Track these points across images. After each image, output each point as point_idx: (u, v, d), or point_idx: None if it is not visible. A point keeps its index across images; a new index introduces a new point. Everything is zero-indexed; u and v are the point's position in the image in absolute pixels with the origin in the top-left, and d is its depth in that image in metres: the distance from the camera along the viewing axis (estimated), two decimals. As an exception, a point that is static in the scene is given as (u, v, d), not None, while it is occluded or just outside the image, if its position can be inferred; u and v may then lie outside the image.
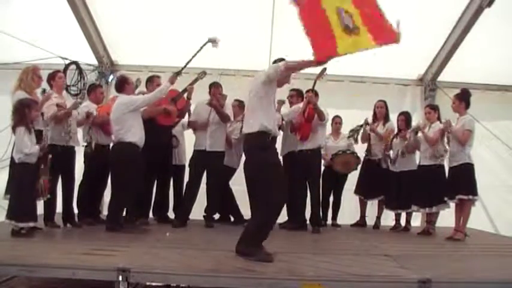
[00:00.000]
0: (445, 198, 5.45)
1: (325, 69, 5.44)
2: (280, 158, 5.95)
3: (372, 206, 6.38)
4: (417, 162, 5.91)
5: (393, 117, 6.29)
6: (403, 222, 6.22)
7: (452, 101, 5.55)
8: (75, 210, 5.43)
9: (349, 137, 6.35)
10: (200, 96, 5.95)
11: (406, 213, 6.18)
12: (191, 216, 5.88)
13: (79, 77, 6.63)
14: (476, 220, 5.92)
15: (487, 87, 7.18)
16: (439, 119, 5.78)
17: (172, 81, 5.24)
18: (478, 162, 5.53)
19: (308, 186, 5.74)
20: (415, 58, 7.02)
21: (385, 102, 6.31)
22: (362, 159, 6.25)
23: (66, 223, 5.27)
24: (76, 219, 5.37)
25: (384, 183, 6.09)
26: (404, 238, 5.74)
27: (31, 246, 4.02)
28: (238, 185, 6.25)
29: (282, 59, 4.13)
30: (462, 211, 5.34)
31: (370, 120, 6.29)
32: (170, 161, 5.91)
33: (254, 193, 4.14)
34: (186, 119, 6.10)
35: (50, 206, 5.05)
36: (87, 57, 6.97)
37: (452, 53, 6.73)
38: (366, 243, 5.05)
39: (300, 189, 5.75)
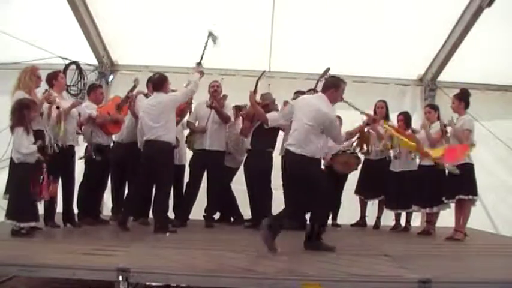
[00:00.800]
0: (445, 198, 5.45)
1: (328, 69, 5.45)
2: (280, 157, 5.99)
3: (372, 206, 6.37)
4: (417, 162, 5.91)
5: (393, 117, 6.29)
6: (403, 222, 6.22)
7: (452, 101, 5.54)
8: (75, 210, 5.43)
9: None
10: (200, 96, 5.95)
11: (406, 213, 6.17)
12: (191, 216, 5.88)
13: (79, 77, 6.63)
14: (476, 220, 5.91)
15: (487, 87, 7.18)
16: (439, 119, 5.78)
17: (200, 72, 5.39)
18: (478, 162, 5.52)
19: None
20: (415, 58, 7.03)
21: (385, 102, 6.31)
22: (362, 159, 6.24)
23: (66, 223, 5.27)
24: (76, 219, 5.37)
25: (384, 183, 6.09)
26: (404, 238, 5.73)
27: (31, 246, 4.02)
28: (238, 184, 6.28)
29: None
30: (462, 211, 5.34)
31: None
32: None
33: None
34: (185, 119, 6.10)
35: (50, 206, 5.05)
36: (87, 57, 6.97)
37: (452, 53, 6.73)
38: (366, 243, 5.05)
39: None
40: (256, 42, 6.59)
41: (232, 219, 6.29)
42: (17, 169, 4.49)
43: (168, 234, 4.95)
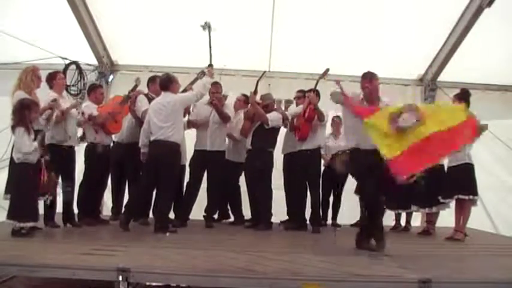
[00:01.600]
0: (442, 198, 5.45)
1: (328, 69, 5.46)
2: (281, 156, 6.00)
3: (372, 206, 6.36)
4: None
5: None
6: (403, 222, 6.22)
7: (452, 101, 5.54)
8: (75, 210, 5.43)
9: None
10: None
11: (406, 213, 6.18)
12: (191, 216, 5.88)
13: (79, 77, 6.63)
14: (476, 220, 5.91)
15: (487, 87, 7.18)
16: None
17: (212, 75, 5.41)
18: (478, 162, 5.52)
19: (308, 186, 5.75)
20: (415, 58, 7.03)
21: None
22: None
23: (66, 223, 5.28)
24: (76, 219, 5.37)
25: (383, 183, 6.07)
26: (404, 238, 5.73)
27: (31, 246, 4.02)
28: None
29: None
30: (462, 211, 5.34)
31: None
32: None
33: None
34: (186, 118, 6.10)
35: (50, 206, 5.05)
36: (87, 57, 6.97)
37: (452, 53, 6.73)
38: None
39: (299, 189, 5.76)
40: (256, 42, 6.60)
41: (232, 217, 6.30)
42: (17, 169, 4.49)
43: (168, 234, 4.95)
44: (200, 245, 4.42)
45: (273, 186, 5.85)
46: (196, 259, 3.70)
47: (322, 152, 6.03)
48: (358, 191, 6.33)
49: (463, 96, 5.47)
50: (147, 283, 3.68)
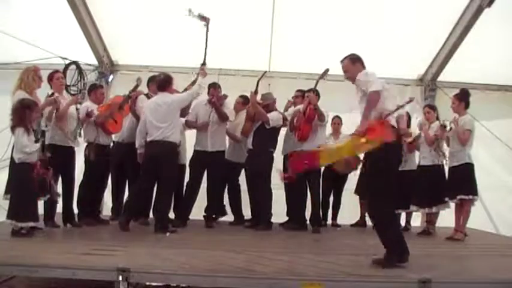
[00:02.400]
0: (445, 198, 5.45)
1: (327, 69, 5.45)
2: (282, 157, 5.99)
3: (372, 206, 6.36)
4: (416, 162, 5.91)
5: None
6: (403, 222, 6.22)
7: (452, 101, 5.54)
8: (75, 210, 5.43)
9: None
10: (199, 97, 5.94)
11: (406, 213, 6.18)
12: (191, 216, 5.88)
13: (79, 77, 6.61)
14: (476, 220, 5.91)
15: (487, 87, 7.16)
16: (437, 119, 5.79)
17: (205, 73, 5.36)
18: (478, 162, 5.53)
19: (308, 186, 5.75)
20: (415, 58, 7.02)
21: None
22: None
23: (66, 223, 5.28)
24: (76, 219, 5.37)
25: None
26: (405, 238, 5.72)
27: (31, 246, 4.03)
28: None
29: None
30: (462, 211, 5.34)
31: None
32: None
33: None
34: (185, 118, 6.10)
35: (50, 206, 5.05)
36: (87, 57, 6.96)
37: (452, 53, 6.73)
38: (366, 243, 5.04)
39: (299, 189, 5.76)
40: (256, 42, 6.59)
41: (229, 214, 6.31)
42: (17, 169, 4.49)
43: (168, 234, 4.96)
44: (200, 245, 4.43)
45: (272, 186, 5.85)
46: (196, 259, 3.70)
47: (322, 152, 6.02)
48: (358, 191, 6.35)
49: (463, 96, 5.47)
50: (147, 283, 3.68)
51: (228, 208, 6.33)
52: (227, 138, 6.17)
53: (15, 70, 5.23)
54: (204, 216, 5.94)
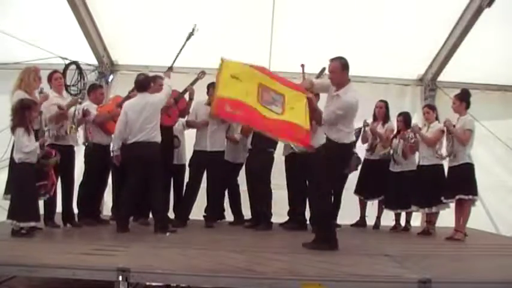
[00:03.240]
0: (445, 198, 5.45)
1: (324, 68, 5.44)
2: (283, 158, 5.99)
3: (372, 206, 6.37)
4: (416, 162, 5.91)
5: (393, 117, 6.29)
6: (403, 222, 6.22)
7: (453, 101, 5.55)
8: (75, 210, 5.43)
9: None
10: (199, 97, 5.95)
11: (406, 213, 6.17)
12: (191, 216, 5.88)
13: (79, 77, 6.61)
14: (476, 220, 5.91)
15: (487, 87, 7.16)
16: (437, 119, 5.79)
17: (168, 75, 5.44)
18: (478, 162, 5.53)
19: (308, 186, 5.74)
20: (415, 58, 7.02)
21: (385, 102, 6.30)
22: (362, 159, 6.24)
23: (66, 223, 5.28)
24: (76, 219, 5.37)
25: (383, 183, 6.08)
26: (404, 238, 5.74)
27: (31, 246, 4.03)
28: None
29: None
30: (462, 211, 5.34)
31: (369, 121, 6.28)
32: (171, 161, 5.91)
33: None
34: (185, 119, 6.10)
35: (50, 206, 5.05)
36: (87, 57, 6.96)
37: (452, 53, 6.72)
38: (366, 243, 5.05)
39: (300, 189, 5.76)
40: (256, 42, 6.59)
41: (227, 217, 6.30)
42: (18, 169, 4.49)
43: (168, 234, 4.96)
44: (200, 245, 4.42)
45: (272, 186, 5.85)
46: (196, 259, 3.70)
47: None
48: (358, 191, 6.35)
49: (463, 96, 5.48)
50: (147, 283, 3.68)
51: (228, 209, 6.34)
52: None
53: (15, 70, 5.23)
54: (204, 216, 5.94)
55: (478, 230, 6.06)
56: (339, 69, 4.18)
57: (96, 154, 5.46)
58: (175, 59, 5.55)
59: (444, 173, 5.60)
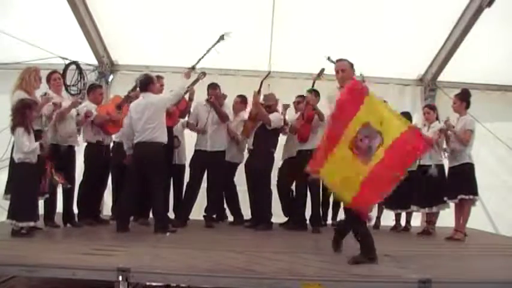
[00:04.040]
0: (445, 198, 5.45)
1: (323, 69, 5.46)
2: (281, 162, 5.99)
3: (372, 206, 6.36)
4: (417, 162, 5.90)
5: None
6: (403, 222, 6.22)
7: (453, 101, 5.55)
8: (75, 210, 5.43)
9: None
10: (199, 97, 5.95)
11: (406, 213, 6.17)
12: (191, 216, 5.88)
13: (79, 77, 6.61)
14: (476, 220, 5.91)
15: (487, 87, 7.17)
16: (437, 119, 5.79)
17: (188, 76, 5.39)
18: (478, 162, 5.52)
19: (308, 186, 5.74)
20: (415, 58, 7.02)
21: (385, 102, 6.29)
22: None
23: (66, 223, 5.28)
24: (76, 219, 5.37)
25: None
26: (404, 238, 5.74)
27: (31, 246, 4.03)
28: (238, 185, 6.28)
29: None
30: (462, 211, 5.34)
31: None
32: (171, 161, 5.91)
33: None
34: (185, 119, 6.10)
35: (50, 206, 5.05)
36: (87, 57, 6.96)
37: (452, 53, 6.72)
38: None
39: (300, 190, 5.76)
40: (256, 42, 6.59)
41: (229, 217, 6.30)
42: (18, 169, 4.49)
43: (168, 234, 4.96)
44: (200, 245, 4.42)
45: (272, 187, 5.85)
46: (196, 259, 3.70)
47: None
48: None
49: (464, 96, 5.48)
50: (147, 283, 3.69)
51: (227, 209, 6.35)
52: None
53: (15, 70, 5.22)
54: (204, 216, 5.94)
55: (478, 230, 6.06)
56: (348, 66, 4.17)
57: (96, 154, 5.46)
58: (200, 59, 5.46)
59: (445, 173, 5.60)
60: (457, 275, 3.53)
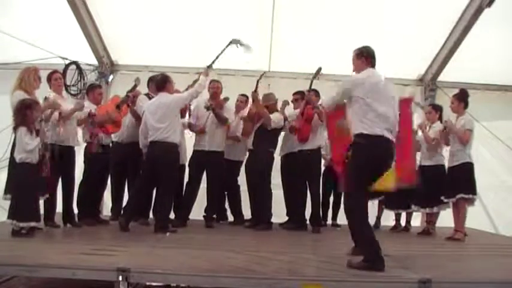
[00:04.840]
0: (445, 198, 5.45)
1: (320, 68, 5.46)
2: (279, 158, 5.99)
3: (372, 206, 6.36)
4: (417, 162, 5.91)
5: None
6: (403, 222, 6.22)
7: (451, 101, 5.55)
8: (75, 210, 5.43)
9: None
10: (199, 96, 5.95)
11: (406, 213, 6.18)
12: (191, 216, 5.88)
13: (79, 77, 6.62)
14: (476, 220, 5.93)
15: (487, 87, 7.17)
16: (440, 119, 5.78)
17: (207, 73, 5.39)
18: (478, 162, 5.53)
19: (308, 186, 5.75)
20: (415, 58, 7.02)
21: None
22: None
23: (66, 223, 5.27)
24: (76, 219, 5.37)
25: None
26: (404, 238, 5.74)
27: (31, 246, 4.02)
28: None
29: None
30: (459, 210, 5.34)
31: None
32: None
33: None
34: (186, 119, 6.10)
35: (50, 206, 5.05)
36: (87, 57, 6.97)
37: (452, 53, 6.72)
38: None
39: (300, 189, 5.76)
40: (256, 42, 6.58)
41: (230, 218, 6.30)
42: (18, 169, 4.49)
43: (168, 234, 4.96)
44: (200, 245, 4.43)
45: (272, 187, 5.85)
46: (196, 259, 3.70)
47: (323, 151, 6.02)
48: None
49: (462, 96, 5.48)
50: (147, 283, 3.68)
51: (227, 209, 6.35)
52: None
53: (15, 70, 5.22)
54: (204, 216, 5.94)
55: (478, 230, 6.06)
56: (354, 58, 4.15)
57: (96, 154, 5.45)
58: (216, 58, 5.46)
59: (445, 173, 5.60)
60: (457, 275, 3.53)
